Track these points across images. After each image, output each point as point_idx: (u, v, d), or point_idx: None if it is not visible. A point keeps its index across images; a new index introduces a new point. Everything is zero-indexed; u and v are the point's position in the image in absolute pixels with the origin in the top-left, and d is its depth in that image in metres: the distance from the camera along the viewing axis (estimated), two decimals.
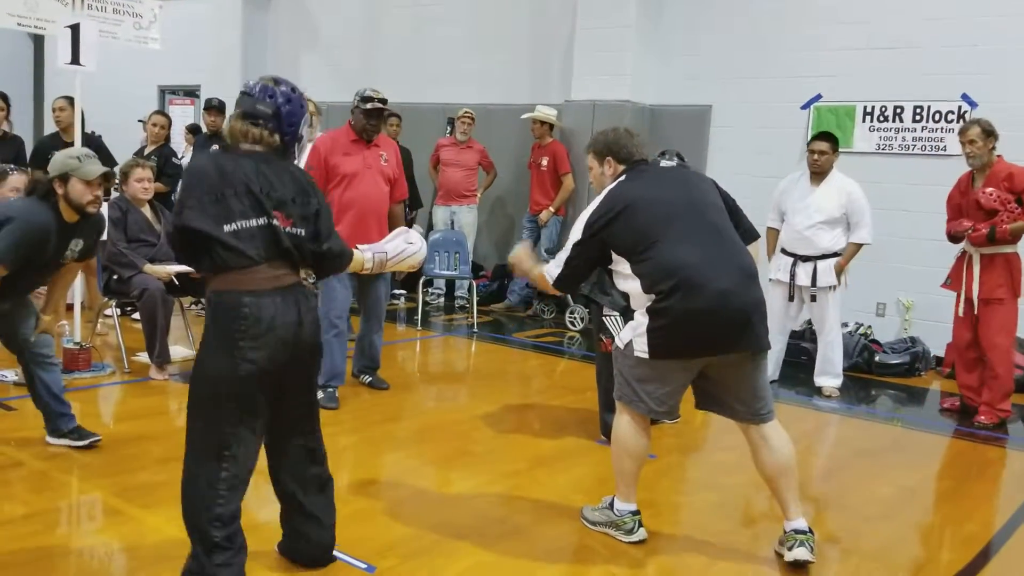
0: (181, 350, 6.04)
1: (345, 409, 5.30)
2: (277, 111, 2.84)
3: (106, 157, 6.94)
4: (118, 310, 6.27)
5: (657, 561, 3.40)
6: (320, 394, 5.02)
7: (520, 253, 3.79)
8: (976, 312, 5.54)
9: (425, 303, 8.26)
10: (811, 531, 3.33)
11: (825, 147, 6.02)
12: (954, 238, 5.64)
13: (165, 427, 4.77)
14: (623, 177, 3.49)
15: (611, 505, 3.55)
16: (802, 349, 6.95)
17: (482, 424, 5.02)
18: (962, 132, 5.57)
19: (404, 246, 3.35)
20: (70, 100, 6.53)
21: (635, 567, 3.34)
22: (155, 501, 3.65)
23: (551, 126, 8.48)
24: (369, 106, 5.18)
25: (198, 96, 12.06)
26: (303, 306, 2.80)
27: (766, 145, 7.85)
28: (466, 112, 8.82)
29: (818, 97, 7.71)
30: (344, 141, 5.24)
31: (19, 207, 4.02)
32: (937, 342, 7.02)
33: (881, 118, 7.39)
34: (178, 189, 3.14)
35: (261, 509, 3.45)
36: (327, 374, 5.14)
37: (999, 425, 5.49)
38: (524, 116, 8.54)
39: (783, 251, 6.24)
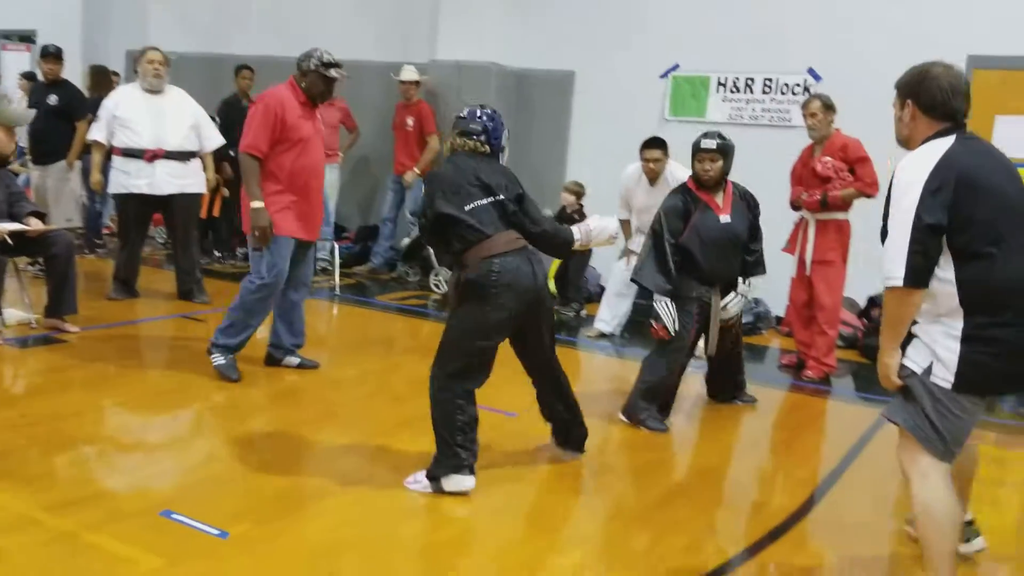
0: (16, 313, 5.66)
1: (198, 373, 5.11)
2: (485, 128, 3.74)
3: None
4: None
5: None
6: (220, 359, 4.88)
7: (880, 371, 2.79)
8: (809, 273, 5.87)
9: None
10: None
11: (659, 155, 6.25)
12: (795, 205, 5.96)
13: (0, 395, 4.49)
14: (952, 142, 2.71)
15: None
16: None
17: (345, 387, 4.97)
18: (804, 106, 5.88)
19: (599, 222, 3.96)
20: None
21: (486, 527, 3.41)
22: None
23: (417, 83, 8.37)
24: (334, 73, 4.88)
25: (34, 42, 11.22)
26: (534, 260, 3.62)
27: (626, 113, 8.02)
28: None
29: (676, 67, 7.92)
30: (295, 103, 4.87)
31: None
32: (777, 302, 7.40)
33: (733, 89, 7.68)
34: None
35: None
36: (240, 339, 4.91)
37: (824, 379, 5.87)
38: (396, 78, 8.38)
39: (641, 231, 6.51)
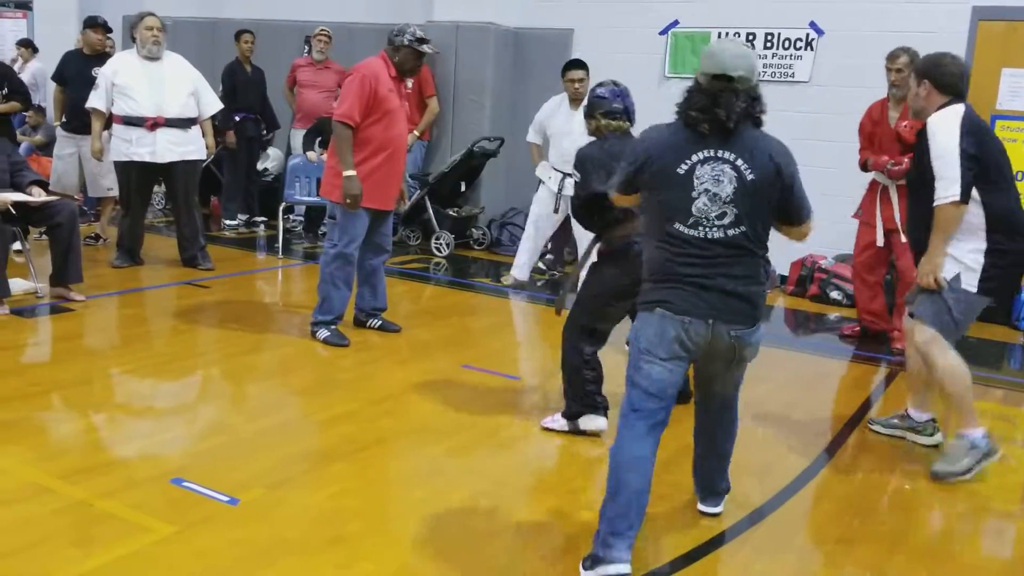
0: (21, 283, 5.69)
1: (204, 340, 5.17)
2: (626, 107, 4.02)
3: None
4: None
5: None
6: (325, 332, 5.10)
7: (927, 269, 3.65)
8: (888, 241, 5.51)
9: (286, 230, 8.05)
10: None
11: (583, 75, 6.39)
12: (864, 167, 5.58)
13: (9, 364, 4.52)
14: (964, 106, 3.64)
15: (969, 441, 3.67)
16: None
17: (348, 352, 4.99)
18: (891, 59, 5.43)
19: None
20: None
21: (504, 485, 3.45)
22: (4, 440, 3.48)
23: None
24: (427, 49, 5.09)
25: (31, 8, 11.12)
26: None
27: (626, 71, 7.91)
28: (322, 30, 8.51)
29: (675, 23, 7.84)
30: (386, 76, 5.01)
31: None
32: (781, 261, 7.40)
33: None
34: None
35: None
36: (335, 311, 5.11)
37: None
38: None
39: (553, 168, 6.65)
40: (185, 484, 3.22)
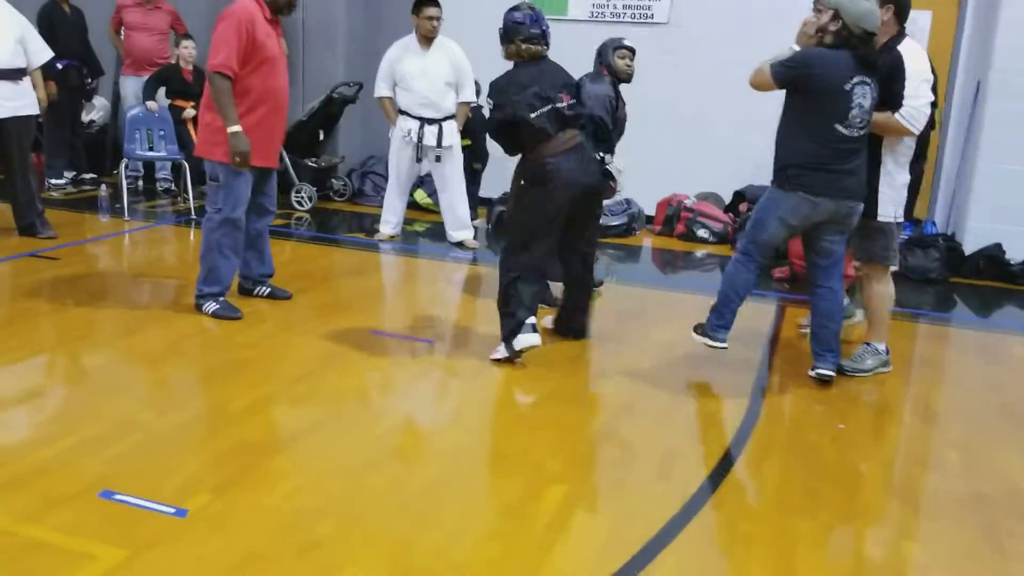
0: None
1: (74, 322, 4.64)
2: (543, 31, 4.23)
3: None
4: None
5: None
6: (213, 305, 4.63)
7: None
8: None
9: (130, 190, 7.37)
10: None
11: (440, 13, 6.30)
12: None
13: None
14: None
15: (875, 348, 4.35)
16: None
17: (243, 326, 4.61)
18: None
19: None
20: None
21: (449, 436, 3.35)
22: None
23: None
24: None
25: None
26: (585, 156, 4.27)
27: (487, 9, 7.73)
28: None
29: None
30: (261, 19, 4.51)
31: None
32: (646, 202, 7.57)
33: None
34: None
35: None
36: (223, 282, 4.69)
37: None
38: None
39: (407, 115, 6.42)
40: (117, 497, 2.88)
